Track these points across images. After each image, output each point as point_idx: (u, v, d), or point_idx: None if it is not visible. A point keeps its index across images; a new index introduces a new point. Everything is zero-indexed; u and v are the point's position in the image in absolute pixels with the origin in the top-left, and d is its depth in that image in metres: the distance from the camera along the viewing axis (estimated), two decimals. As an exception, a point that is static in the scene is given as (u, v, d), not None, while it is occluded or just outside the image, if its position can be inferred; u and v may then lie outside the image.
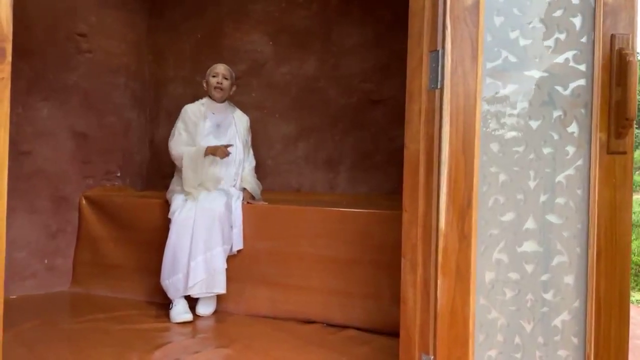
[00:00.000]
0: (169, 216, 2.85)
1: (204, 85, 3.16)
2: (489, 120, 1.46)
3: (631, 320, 3.25)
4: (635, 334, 2.97)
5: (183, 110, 3.10)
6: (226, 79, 3.12)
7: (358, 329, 2.63)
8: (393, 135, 3.60)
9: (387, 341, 2.42)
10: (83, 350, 2.28)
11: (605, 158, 1.44)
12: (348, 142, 3.87)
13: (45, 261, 3.29)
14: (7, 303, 2.99)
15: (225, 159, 3.07)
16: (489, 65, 1.45)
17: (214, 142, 3.07)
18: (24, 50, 3.19)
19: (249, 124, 3.30)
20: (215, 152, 2.94)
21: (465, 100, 1.43)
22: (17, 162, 3.19)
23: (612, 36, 1.43)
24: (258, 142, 3.76)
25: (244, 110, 3.42)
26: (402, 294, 1.58)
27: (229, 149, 2.98)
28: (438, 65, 1.46)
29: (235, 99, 3.43)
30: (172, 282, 2.75)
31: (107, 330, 2.58)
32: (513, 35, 1.46)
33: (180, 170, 3.00)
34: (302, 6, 3.92)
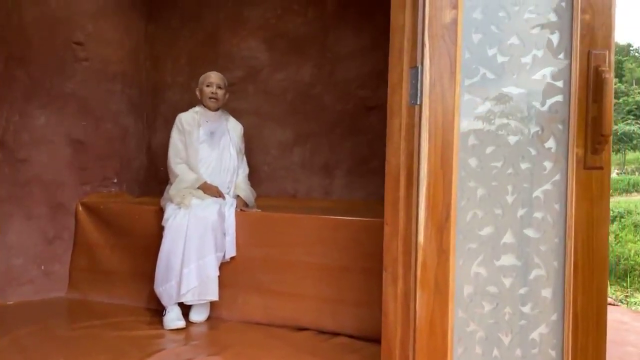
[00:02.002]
0: (163, 223, 2.88)
1: (197, 93, 3.19)
2: (467, 136, 1.48)
3: (625, 326, 3.26)
4: (628, 341, 2.97)
5: (177, 119, 3.13)
6: (220, 88, 3.15)
7: (350, 336, 2.65)
8: (387, 141, 3.61)
9: (377, 349, 2.42)
10: (77, 357, 2.32)
11: (582, 173, 1.46)
12: (344, 147, 3.90)
13: (42, 267, 3.33)
14: (4, 309, 3.05)
15: (219, 166, 3.11)
16: (467, 81, 1.47)
17: (207, 150, 3.11)
18: (21, 58, 3.24)
19: (242, 132, 3.32)
20: (206, 191, 2.99)
21: (443, 116, 1.45)
22: (14, 169, 3.23)
23: (589, 53, 1.45)
24: (254, 148, 3.80)
25: (240, 116, 3.45)
26: (383, 306, 1.60)
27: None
28: (418, 82, 1.48)
29: (232, 105, 3.46)
30: (165, 289, 2.78)
31: (101, 337, 2.61)
32: (491, 52, 1.48)
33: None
34: (298, 13, 3.96)
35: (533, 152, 1.49)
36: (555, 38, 1.48)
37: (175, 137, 3.08)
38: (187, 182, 2.97)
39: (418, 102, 1.48)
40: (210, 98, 3.12)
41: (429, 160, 1.45)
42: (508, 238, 1.49)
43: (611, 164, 1.52)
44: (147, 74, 4.09)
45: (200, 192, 2.97)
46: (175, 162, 3.04)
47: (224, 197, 3.02)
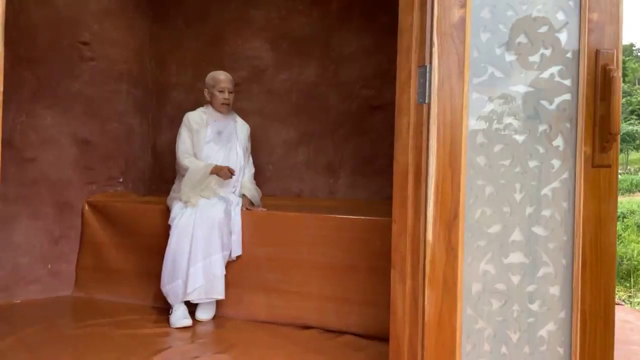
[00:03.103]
0: (169, 222, 2.89)
1: (207, 95, 3.18)
2: (476, 135, 1.49)
3: (629, 325, 3.26)
4: (632, 340, 2.97)
5: (185, 118, 3.13)
6: (231, 92, 3.16)
7: (355, 334, 2.66)
8: (393, 141, 3.61)
9: (383, 347, 2.43)
10: (84, 356, 2.33)
11: (590, 171, 1.47)
12: (348, 147, 3.91)
13: (49, 266, 3.34)
14: (11, 307, 3.07)
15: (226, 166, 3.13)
16: (476, 80, 1.48)
17: (214, 149, 3.11)
18: (28, 58, 3.26)
19: (249, 132, 3.33)
20: (219, 173, 2.98)
21: (452, 115, 1.46)
22: (21, 169, 3.25)
23: (597, 52, 1.46)
24: (259, 147, 3.81)
25: (245, 116, 3.46)
26: (391, 304, 1.61)
27: (233, 170, 3.04)
28: (426, 81, 1.49)
29: (237, 105, 3.47)
30: (172, 287, 2.80)
31: (108, 335, 2.62)
32: (499, 51, 1.49)
33: (181, 178, 3.07)
34: (303, 13, 3.97)
35: (541, 150, 1.49)
36: (563, 37, 1.49)
37: (184, 134, 3.08)
38: (198, 173, 2.95)
39: (426, 101, 1.49)
40: (222, 104, 3.13)
41: (438, 159, 1.46)
42: (516, 236, 1.50)
43: (618, 162, 1.53)
44: (152, 74, 4.10)
45: (207, 192, 2.96)
46: (184, 156, 3.03)
47: (234, 173, 3.01)
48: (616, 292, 5.68)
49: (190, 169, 2.98)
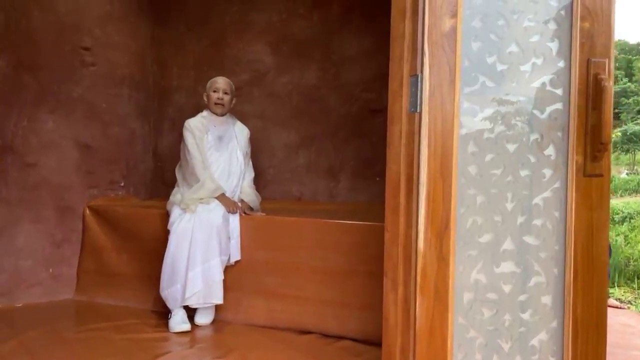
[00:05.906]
0: (168, 227, 2.91)
1: (205, 98, 3.21)
2: (467, 144, 1.49)
3: (631, 330, 3.24)
4: (633, 344, 2.96)
5: (187, 125, 3.10)
6: (226, 93, 3.16)
7: (353, 339, 2.66)
8: (392, 144, 3.62)
9: (380, 353, 2.44)
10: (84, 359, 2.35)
11: (582, 181, 1.46)
12: (349, 150, 3.92)
13: (51, 270, 3.37)
14: (13, 311, 3.10)
15: (227, 170, 3.13)
16: (467, 89, 1.48)
17: (215, 155, 3.12)
18: (30, 63, 3.28)
19: (249, 136, 3.33)
20: (224, 203, 2.97)
21: (443, 124, 1.46)
22: (23, 173, 3.28)
23: (588, 61, 1.45)
24: (259, 150, 3.82)
25: (246, 119, 3.48)
26: (383, 312, 1.62)
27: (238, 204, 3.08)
28: (417, 90, 1.49)
29: (237, 109, 3.49)
30: (171, 292, 2.81)
31: (108, 339, 2.65)
32: (490, 60, 1.49)
33: (182, 183, 3.08)
34: (303, 16, 3.98)
35: (532, 159, 1.49)
36: (554, 46, 1.48)
37: (192, 142, 3.04)
38: (206, 191, 2.95)
39: (418, 110, 1.49)
40: (216, 104, 3.13)
41: (429, 168, 1.46)
42: (508, 245, 1.50)
43: (620, 165, 1.53)
44: (153, 77, 4.12)
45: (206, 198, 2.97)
46: (202, 167, 3.01)
47: (237, 211, 3.02)
48: (623, 294, 5.64)
49: (200, 184, 2.97)
